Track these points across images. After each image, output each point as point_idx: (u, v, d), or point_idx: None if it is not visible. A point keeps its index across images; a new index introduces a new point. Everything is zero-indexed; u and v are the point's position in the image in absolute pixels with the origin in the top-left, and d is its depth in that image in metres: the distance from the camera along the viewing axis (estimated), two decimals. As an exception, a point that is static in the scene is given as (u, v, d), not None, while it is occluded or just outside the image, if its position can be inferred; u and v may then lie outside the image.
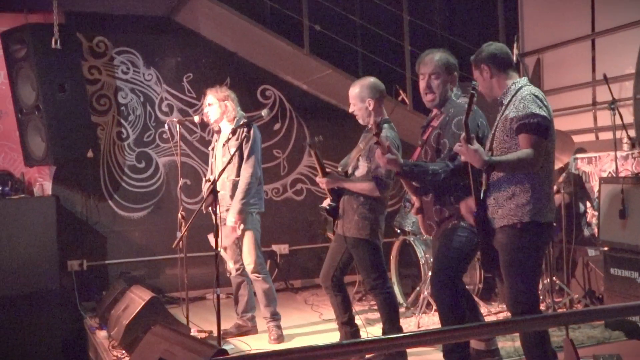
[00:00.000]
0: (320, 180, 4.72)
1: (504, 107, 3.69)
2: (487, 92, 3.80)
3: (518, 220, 3.56)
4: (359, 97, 4.66)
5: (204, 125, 7.20)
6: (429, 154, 4.14)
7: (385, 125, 4.65)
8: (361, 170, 4.64)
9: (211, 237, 5.27)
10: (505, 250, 3.61)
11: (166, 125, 5.93)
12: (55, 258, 6.44)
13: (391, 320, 4.64)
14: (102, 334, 5.74)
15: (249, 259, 5.39)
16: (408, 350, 4.65)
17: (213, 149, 5.69)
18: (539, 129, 3.50)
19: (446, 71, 4.14)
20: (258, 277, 5.40)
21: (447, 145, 4.02)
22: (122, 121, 7.29)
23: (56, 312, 6.43)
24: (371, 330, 5.30)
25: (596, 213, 6.05)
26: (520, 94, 3.62)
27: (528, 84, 3.70)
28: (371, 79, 4.75)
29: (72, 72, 6.60)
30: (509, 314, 5.57)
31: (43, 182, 6.91)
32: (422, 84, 4.20)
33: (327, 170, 4.73)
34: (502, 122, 3.63)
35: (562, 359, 3.65)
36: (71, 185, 7.06)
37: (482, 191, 3.65)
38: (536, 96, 3.58)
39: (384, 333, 4.64)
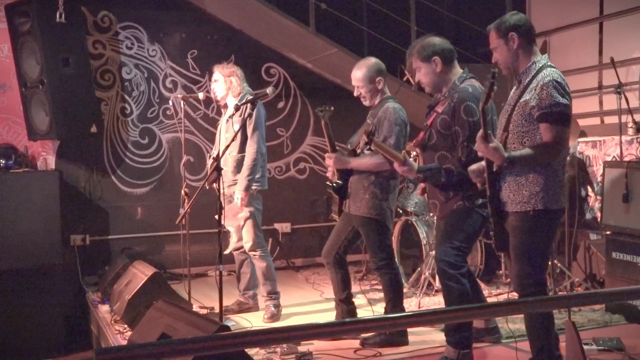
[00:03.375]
0: (329, 155, 4.69)
1: (522, 86, 3.60)
2: (509, 64, 3.65)
3: (531, 208, 3.54)
4: (367, 78, 4.65)
5: (208, 102, 7.20)
6: (433, 138, 4.14)
7: (391, 100, 4.67)
8: (371, 146, 4.64)
9: (225, 216, 5.29)
10: (516, 233, 3.60)
11: (170, 102, 5.94)
12: (58, 232, 6.45)
13: (395, 300, 4.66)
14: (104, 308, 5.76)
15: (247, 237, 5.40)
16: (409, 331, 4.68)
17: (219, 124, 5.69)
18: (561, 119, 3.45)
19: (425, 59, 4.16)
20: (255, 254, 5.41)
21: (460, 134, 4.01)
22: (126, 97, 7.27)
23: (58, 286, 6.45)
24: (371, 310, 5.32)
25: (599, 197, 6.05)
26: (542, 79, 3.50)
27: (549, 64, 3.60)
28: (373, 59, 4.78)
29: (77, 47, 6.58)
30: (508, 296, 5.64)
31: (46, 157, 6.90)
32: (416, 79, 4.26)
33: (337, 148, 4.71)
34: (522, 106, 3.54)
35: (563, 340, 3.69)
36: (74, 160, 7.06)
37: (495, 172, 3.61)
38: (559, 82, 3.48)
39: (386, 313, 4.66)
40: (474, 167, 3.75)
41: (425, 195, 4.31)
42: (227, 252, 5.57)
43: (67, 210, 6.76)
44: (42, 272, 6.34)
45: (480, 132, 3.43)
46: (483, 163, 3.66)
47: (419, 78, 4.25)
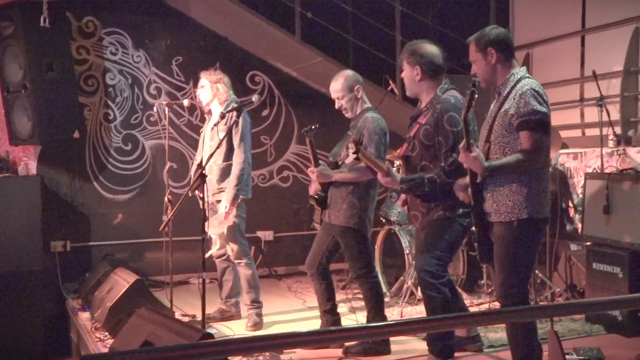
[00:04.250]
0: (312, 170, 4.71)
1: (501, 97, 3.66)
2: (487, 78, 3.70)
3: (515, 218, 3.56)
4: (347, 88, 4.68)
5: (192, 109, 7.19)
6: (416, 149, 4.16)
7: (370, 110, 4.70)
8: (351, 157, 4.64)
9: (209, 224, 5.26)
10: (501, 243, 3.62)
11: (155, 108, 5.91)
12: (38, 238, 6.38)
13: (376, 308, 4.66)
14: (84, 315, 5.71)
15: (232, 245, 5.39)
16: (391, 340, 4.68)
17: (203, 131, 5.68)
18: (540, 126, 3.49)
19: (409, 63, 4.21)
20: (240, 262, 5.40)
21: (443, 144, 4.04)
22: (110, 102, 7.23)
23: (38, 292, 6.37)
24: (354, 318, 5.32)
25: (579, 208, 6.10)
26: (520, 88, 3.56)
27: (527, 75, 3.66)
28: (349, 70, 4.86)
29: (61, 52, 6.53)
30: (490, 306, 5.67)
31: (28, 162, 6.85)
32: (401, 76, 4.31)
33: (320, 161, 4.73)
34: (502, 116, 3.59)
35: (545, 349, 3.71)
36: (56, 165, 7.00)
37: (478, 183, 3.64)
38: (537, 91, 3.54)
39: (368, 321, 4.67)
40: (459, 182, 3.78)
41: (406, 207, 4.33)
42: (207, 255, 5.54)
43: (48, 216, 6.70)
44: (21, 278, 6.26)
45: (463, 142, 3.47)
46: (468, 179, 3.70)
47: (402, 75, 4.31)
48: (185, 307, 5.85)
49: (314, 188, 4.83)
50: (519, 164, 3.50)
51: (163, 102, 5.66)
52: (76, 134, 6.89)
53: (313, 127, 4.71)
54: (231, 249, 5.40)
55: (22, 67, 6.30)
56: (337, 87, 4.70)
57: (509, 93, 3.61)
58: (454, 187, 3.84)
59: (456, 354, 4.23)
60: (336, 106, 4.76)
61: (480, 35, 3.71)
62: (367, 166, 4.38)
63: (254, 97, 4.74)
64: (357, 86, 4.68)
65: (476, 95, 3.41)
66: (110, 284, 5.35)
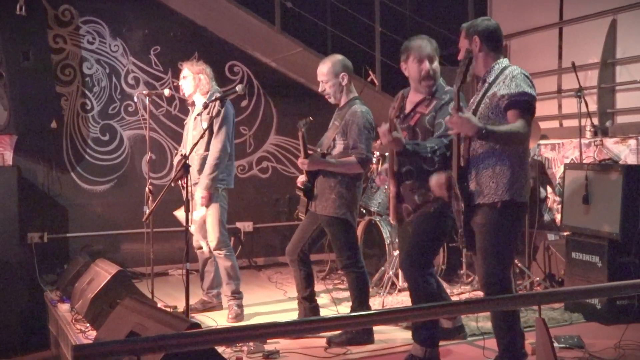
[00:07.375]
0: (303, 161, 4.69)
1: (486, 84, 3.69)
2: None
3: (499, 199, 3.59)
4: (332, 72, 4.65)
5: (170, 99, 7.14)
6: (418, 137, 4.12)
7: (357, 101, 4.68)
8: (338, 149, 4.65)
9: (177, 214, 5.24)
10: (483, 231, 3.64)
11: (135, 98, 5.86)
12: (15, 230, 6.33)
13: (361, 298, 4.67)
14: (64, 307, 5.65)
15: (211, 236, 5.36)
16: (373, 329, 4.70)
17: (187, 122, 5.64)
18: (529, 108, 3.55)
19: (436, 57, 4.21)
20: (220, 254, 5.37)
21: (443, 126, 4.04)
22: (87, 92, 7.14)
23: (15, 284, 6.32)
24: (335, 309, 5.33)
25: (557, 199, 6.18)
26: (510, 72, 3.62)
27: (512, 64, 3.72)
28: (339, 55, 4.79)
29: (37, 40, 6.48)
30: (470, 295, 5.72)
31: (4, 152, 6.74)
32: (424, 67, 4.14)
33: (309, 151, 4.72)
34: (490, 98, 3.63)
35: (530, 337, 3.75)
36: (33, 156, 6.90)
37: (463, 166, 3.65)
38: (527, 76, 3.63)
39: (352, 311, 4.67)
40: (433, 180, 3.79)
41: (393, 202, 4.24)
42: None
43: (25, 207, 6.62)
44: (-3, 270, 6.20)
45: (453, 104, 3.49)
46: (443, 176, 3.72)
47: (423, 68, 4.15)
48: (166, 298, 5.82)
49: (300, 182, 4.81)
50: (510, 135, 3.51)
51: (143, 92, 5.60)
52: (53, 124, 6.82)
53: (308, 119, 4.68)
54: (211, 239, 5.37)
55: (-3, 55, 6.20)
56: (323, 70, 4.68)
57: (496, 78, 3.66)
58: (431, 182, 3.84)
59: (440, 343, 4.25)
60: (320, 89, 4.73)
61: (471, 24, 3.80)
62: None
63: (238, 87, 4.69)
64: (342, 73, 4.66)
65: (473, 64, 3.56)
66: (91, 275, 5.30)
